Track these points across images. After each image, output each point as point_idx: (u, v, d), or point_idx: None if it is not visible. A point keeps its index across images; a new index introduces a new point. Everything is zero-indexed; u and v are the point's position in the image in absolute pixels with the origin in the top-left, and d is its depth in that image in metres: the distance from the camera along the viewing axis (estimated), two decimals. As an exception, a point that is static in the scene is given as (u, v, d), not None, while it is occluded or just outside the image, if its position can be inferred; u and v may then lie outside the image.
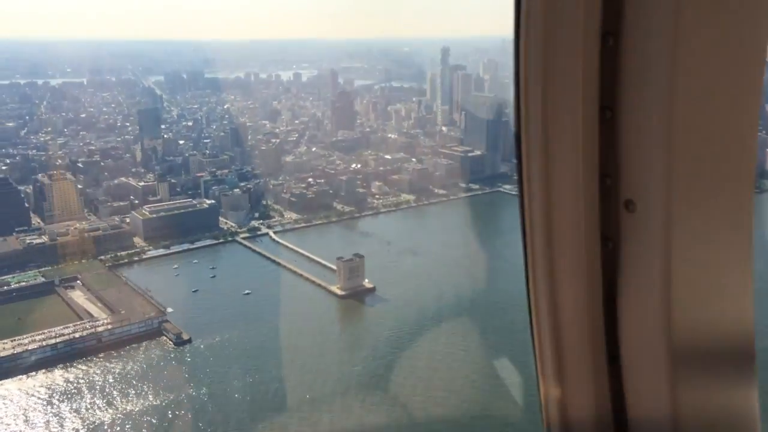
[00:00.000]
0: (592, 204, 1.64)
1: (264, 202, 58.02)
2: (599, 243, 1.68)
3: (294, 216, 56.38)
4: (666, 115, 1.44)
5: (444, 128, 71.99)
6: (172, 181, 58.65)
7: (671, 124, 1.45)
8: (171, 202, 55.03)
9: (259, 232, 53.94)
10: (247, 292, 44.64)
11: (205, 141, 68.79)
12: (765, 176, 46.86)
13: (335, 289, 45.28)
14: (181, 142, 68.07)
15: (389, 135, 70.53)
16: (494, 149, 62.30)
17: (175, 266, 48.95)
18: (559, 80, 1.58)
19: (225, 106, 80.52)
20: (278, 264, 48.94)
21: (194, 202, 55.69)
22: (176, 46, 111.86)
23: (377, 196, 60.91)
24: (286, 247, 51.45)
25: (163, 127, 71.17)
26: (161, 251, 50.81)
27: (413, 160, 64.79)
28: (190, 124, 73.60)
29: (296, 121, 75.28)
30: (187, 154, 63.58)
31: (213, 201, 55.42)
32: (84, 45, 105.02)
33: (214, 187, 57.32)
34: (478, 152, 63.11)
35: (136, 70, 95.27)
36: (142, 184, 57.61)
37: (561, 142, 1.63)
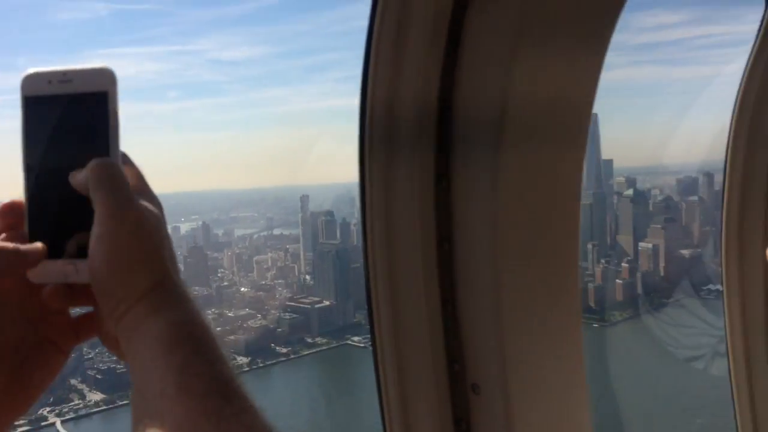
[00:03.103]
0: (444, 388, 1.80)
1: (67, 382, 48.30)
2: (452, 425, 1.82)
3: (98, 396, 46.66)
4: (496, 308, 1.66)
5: (307, 277, 65.18)
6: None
7: (501, 312, 1.66)
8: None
9: (44, 423, 43.73)
10: None
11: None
12: (614, 308, 41.51)
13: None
14: None
15: (242, 289, 62.97)
16: (345, 298, 55.56)
17: None
18: (403, 276, 1.73)
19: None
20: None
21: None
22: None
23: (207, 363, 51.87)
24: (71, 440, 41.25)
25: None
26: None
27: (258, 316, 57.08)
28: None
29: (147, 281, 67.10)
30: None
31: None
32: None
33: None
34: (327, 302, 56.13)
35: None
36: None
37: (410, 329, 1.76)
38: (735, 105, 2.48)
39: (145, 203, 0.81)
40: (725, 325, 2.67)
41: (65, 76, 0.81)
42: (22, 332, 0.82)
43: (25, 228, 0.82)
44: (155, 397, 0.71)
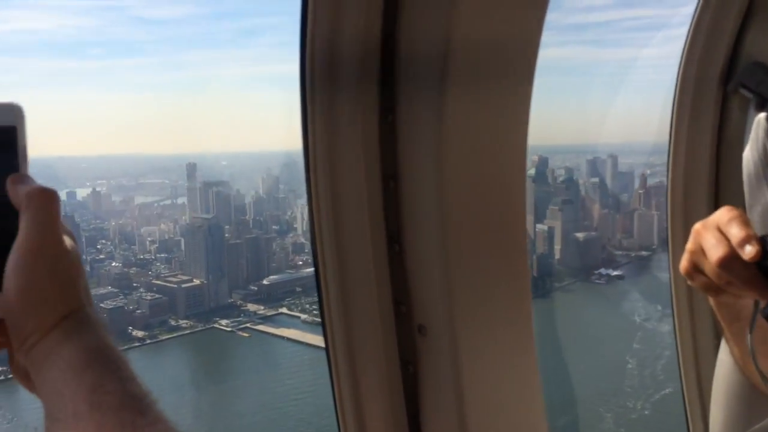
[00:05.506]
0: (389, 330, 1.79)
1: None
2: (399, 367, 1.81)
3: None
4: (444, 245, 1.66)
5: (191, 252, 61.81)
6: None
7: (448, 253, 1.66)
8: None
9: None
10: None
11: None
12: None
13: None
14: None
15: (114, 264, 58.54)
16: (218, 278, 52.99)
17: None
18: (348, 215, 1.74)
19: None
20: None
21: None
22: None
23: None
24: None
25: None
26: None
27: (121, 295, 53.13)
28: None
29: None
30: None
31: None
32: None
33: None
34: (197, 282, 53.30)
35: None
36: None
37: (355, 272, 1.76)
38: (675, 89, 2.48)
39: (65, 236, 0.80)
40: (672, 311, 2.69)
41: None
42: None
43: None
44: (67, 417, 0.70)
